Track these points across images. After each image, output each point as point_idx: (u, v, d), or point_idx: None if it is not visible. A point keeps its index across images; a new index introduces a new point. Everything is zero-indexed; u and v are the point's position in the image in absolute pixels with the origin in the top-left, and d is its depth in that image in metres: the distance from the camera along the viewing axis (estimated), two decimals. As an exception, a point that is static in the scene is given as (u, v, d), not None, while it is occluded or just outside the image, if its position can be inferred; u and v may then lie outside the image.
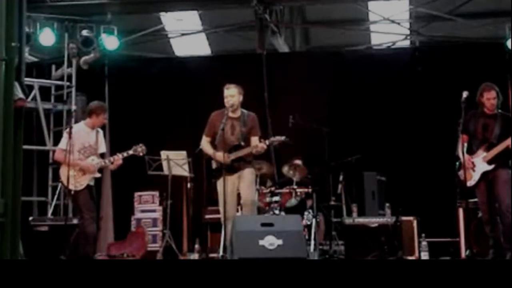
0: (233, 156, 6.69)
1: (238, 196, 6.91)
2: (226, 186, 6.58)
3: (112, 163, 7.32)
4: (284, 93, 10.11)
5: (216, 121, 6.79)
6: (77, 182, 7.04)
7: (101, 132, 7.42)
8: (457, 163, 6.90)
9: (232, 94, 6.77)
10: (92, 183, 7.21)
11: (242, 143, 6.76)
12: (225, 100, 6.77)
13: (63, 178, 7.04)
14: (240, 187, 6.80)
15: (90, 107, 7.41)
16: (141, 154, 7.43)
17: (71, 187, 6.95)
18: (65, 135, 7.20)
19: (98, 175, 7.34)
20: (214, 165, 6.84)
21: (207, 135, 6.91)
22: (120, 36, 10.25)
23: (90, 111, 7.32)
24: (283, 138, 6.90)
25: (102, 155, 7.32)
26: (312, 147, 7.78)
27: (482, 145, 6.76)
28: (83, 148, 7.18)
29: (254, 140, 6.81)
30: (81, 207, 7.10)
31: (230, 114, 6.78)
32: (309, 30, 12.46)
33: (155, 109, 10.44)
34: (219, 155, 6.66)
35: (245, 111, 6.90)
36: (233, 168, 6.72)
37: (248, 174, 6.80)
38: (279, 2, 10.58)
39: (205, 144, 6.93)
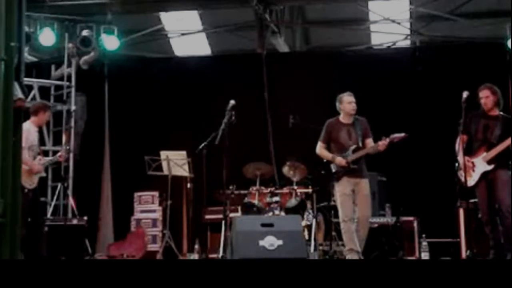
0: (354, 156, 7.03)
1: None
2: (344, 187, 7.03)
3: (60, 156, 7.70)
4: (284, 93, 10.10)
5: (332, 128, 7.21)
6: (30, 180, 7.12)
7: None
8: (457, 164, 6.90)
9: (355, 100, 7.19)
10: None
11: (360, 146, 7.10)
12: (351, 107, 7.17)
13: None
14: (357, 200, 7.05)
15: (33, 107, 7.46)
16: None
17: (25, 184, 6.91)
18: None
19: (43, 174, 7.55)
20: (334, 169, 7.14)
21: (323, 141, 7.24)
22: (120, 36, 10.23)
23: (33, 110, 7.34)
24: (402, 134, 7.05)
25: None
26: (312, 147, 7.76)
27: (483, 146, 6.76)
28: (31, 147, 7.24)
29: (369, 141, 7.15)
30: (38, 205, 7.22)
31: (344, 121, 7.20)
32: (309, 30, 12.45)
33: (155, 109, 10.43)
34: (339, 159, 7.02)
35: (357, 116, 7.22)
36: (352, 170, 7.03)
37: (366, 186, 7.12)
38: (279, 2, 10.57)
39: (322, 150, 7.24)
